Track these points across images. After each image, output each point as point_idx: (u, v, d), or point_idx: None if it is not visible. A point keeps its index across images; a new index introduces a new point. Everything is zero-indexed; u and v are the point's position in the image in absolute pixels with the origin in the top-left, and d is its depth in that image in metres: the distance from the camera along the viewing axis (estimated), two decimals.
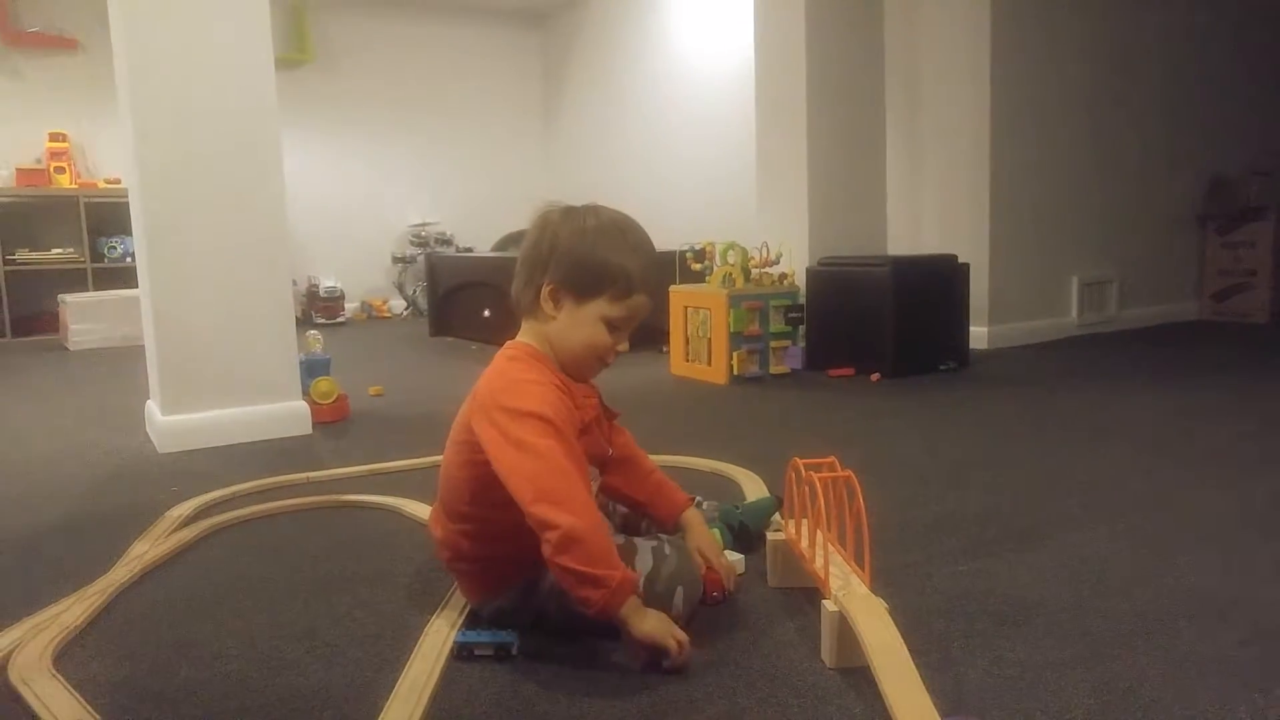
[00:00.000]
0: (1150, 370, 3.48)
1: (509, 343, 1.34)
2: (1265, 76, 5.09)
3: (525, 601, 1.27)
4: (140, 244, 2.55)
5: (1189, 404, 2.80)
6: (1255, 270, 4.78)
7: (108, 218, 5.81)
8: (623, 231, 1.30)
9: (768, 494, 1.79)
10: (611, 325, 1.29)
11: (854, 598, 1.16)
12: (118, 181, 5.75)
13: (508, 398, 1.21)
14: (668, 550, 1.26)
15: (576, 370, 1.32)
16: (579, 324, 1.28)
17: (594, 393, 1.38)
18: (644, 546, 1.27)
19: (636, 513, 1.47)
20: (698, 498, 1.57)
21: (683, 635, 1.15)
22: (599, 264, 1.26)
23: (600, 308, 1.27)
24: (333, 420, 2.82)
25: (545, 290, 1.27)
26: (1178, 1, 4.68)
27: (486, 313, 4.65)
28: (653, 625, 1.14)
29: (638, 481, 1.45)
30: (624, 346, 1.33)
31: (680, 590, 1.22)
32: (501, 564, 1.28)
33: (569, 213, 1.30)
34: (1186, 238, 4.97)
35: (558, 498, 1.13)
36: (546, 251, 1.27)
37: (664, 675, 1.13)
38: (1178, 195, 4.88)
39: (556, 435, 1.18)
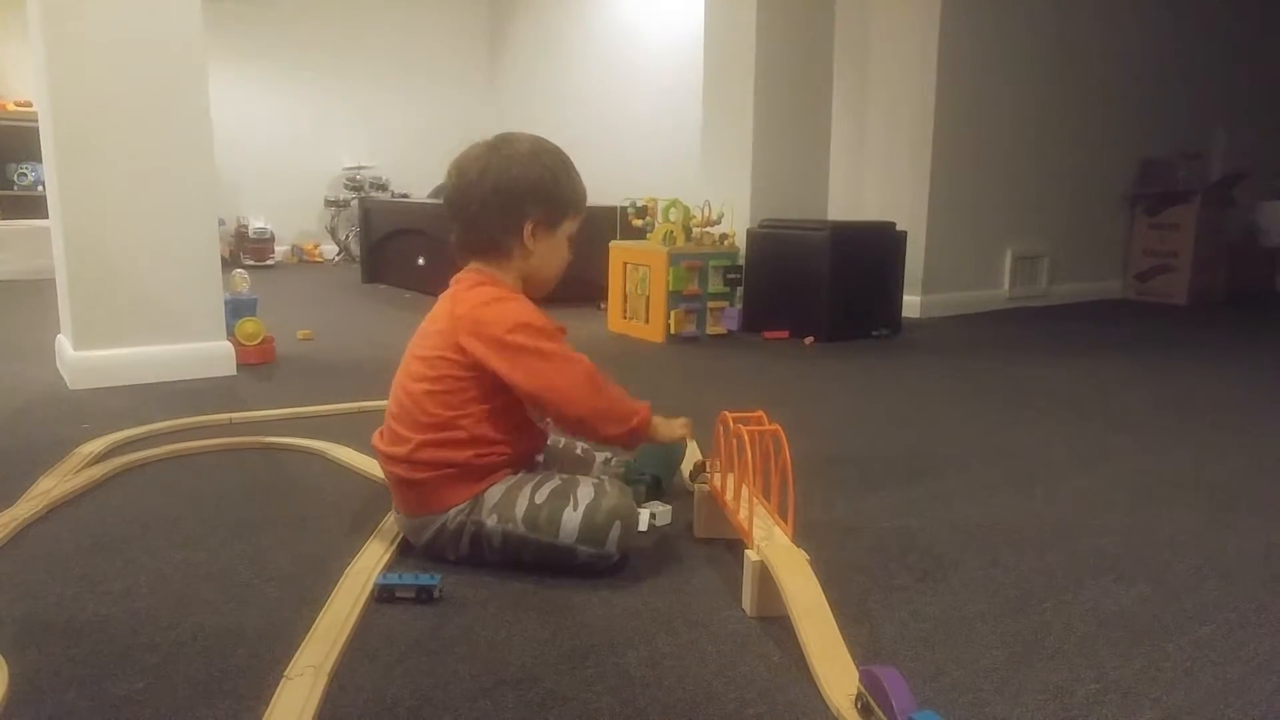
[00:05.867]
0: (1074, 344, 3.57)
1: (469, 272, 1.37)
2: (1198, 61, 5.21)
3: (469, 516, 1.28)
4: (51, 172, 2.43)
5: (1108, 377, 2.88)
6: (1177, 252, 4.90)
7: (17, 143, 5.52)
8: (559, 153, 1.39)
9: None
10: (571, 240, 1.41)
11: (776, 549, 1.17)
12: (29, 105, 5.45)
13: (518, 316, 1.29)
14: (608, 487, 1.31)
15: (541, 292, 1.41)
16: (555, 250, 1.38)
17: None
18: (586, 481, 1.32)
19: None
20: (607, 454, 1.60)
21: (687, 422, 1.43)
22: (566, 191, 1.36)
23: (567, 229, 1.39)
24: (258, 362, 2.75)
25: (528, 229, 1.33)
26: None
27: (421, 260, 4.56)
28: (677, 429, 1.40)
29: None
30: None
31: (618, 524, 1.26)
32: (463, 470, 1.29)
33: (505, 147, 1.34)
34: (1116, 217, 5.08)
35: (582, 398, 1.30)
36: (520, 190, 1.32)
37: (585, 618, 1.14)
38: (1110, 175, 4.98)
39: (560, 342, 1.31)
